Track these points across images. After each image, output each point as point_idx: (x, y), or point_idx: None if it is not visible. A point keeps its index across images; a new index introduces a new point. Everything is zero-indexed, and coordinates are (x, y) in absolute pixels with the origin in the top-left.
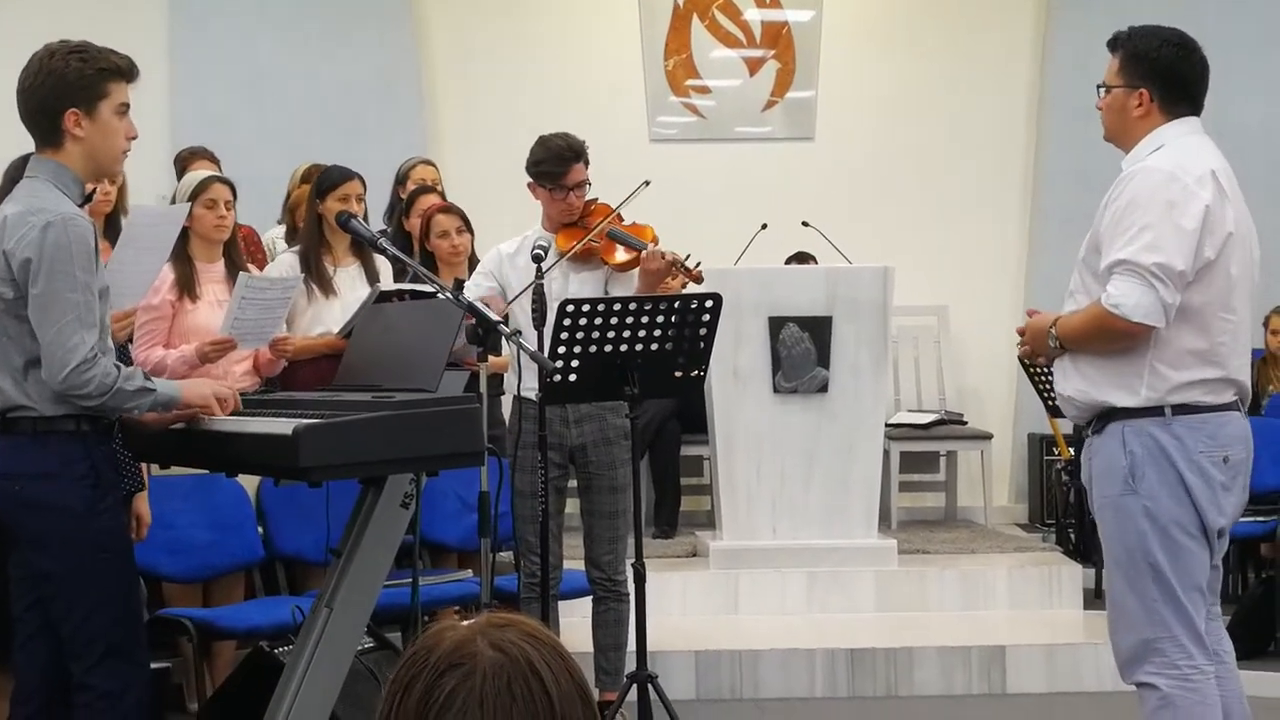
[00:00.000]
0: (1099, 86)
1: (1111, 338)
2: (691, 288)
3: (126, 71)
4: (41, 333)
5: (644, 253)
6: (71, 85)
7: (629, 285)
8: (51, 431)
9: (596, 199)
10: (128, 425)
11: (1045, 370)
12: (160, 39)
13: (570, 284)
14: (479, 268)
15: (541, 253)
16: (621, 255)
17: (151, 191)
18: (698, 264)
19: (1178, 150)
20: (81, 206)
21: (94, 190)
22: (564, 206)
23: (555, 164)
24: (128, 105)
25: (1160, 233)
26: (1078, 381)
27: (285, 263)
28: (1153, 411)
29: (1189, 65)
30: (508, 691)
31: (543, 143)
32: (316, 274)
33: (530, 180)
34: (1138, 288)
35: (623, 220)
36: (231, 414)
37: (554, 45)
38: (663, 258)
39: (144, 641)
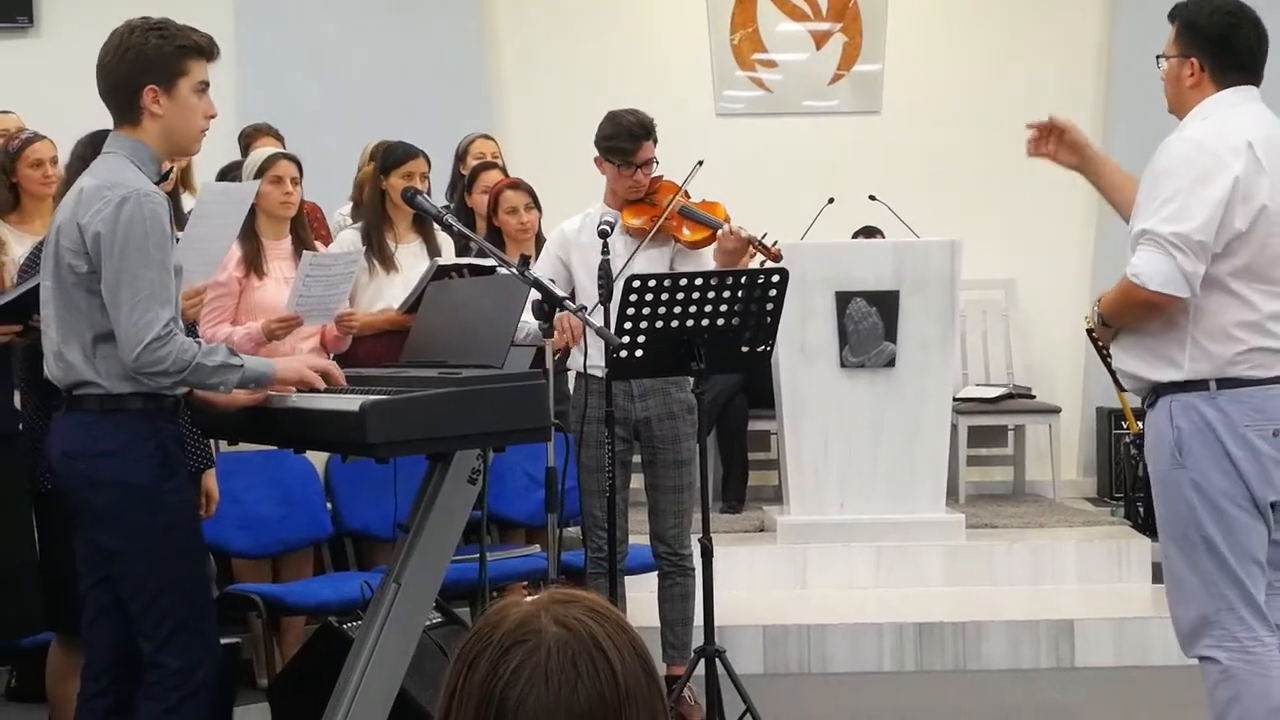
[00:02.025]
0: (1158, 58)
1: (1139, 309)
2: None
3: (206, 50)
4: (114, 310)
5: (720, 232)
6: (151, 62)
7: (695, 262)
8: (119, 409)
9: (662, 176)
10: (195, 402)
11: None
12: (226, 16)
13: (637, 261)
14: (544, 252)
15: (608, 228)
16: (689, 232)
17: (220, 164)
18: (775, 242)
19: (1220, 120)
20: (158, 184)
21: (170, 169)
22: (631, 183)
23: (626, 140)
24: (207, 84)
25: (1183, 203)
26: (1126, 357)
27: (347, 239)
28: (1198, 385)
29: (1241, 33)
30: (572, 667)
31: (613, 118)
32: (378, 250)
33: (598, 155)
34: (1156, 257)
35: (690, 198)
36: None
37: (619, 20)
38: (739, 236)
39: (214, 618)
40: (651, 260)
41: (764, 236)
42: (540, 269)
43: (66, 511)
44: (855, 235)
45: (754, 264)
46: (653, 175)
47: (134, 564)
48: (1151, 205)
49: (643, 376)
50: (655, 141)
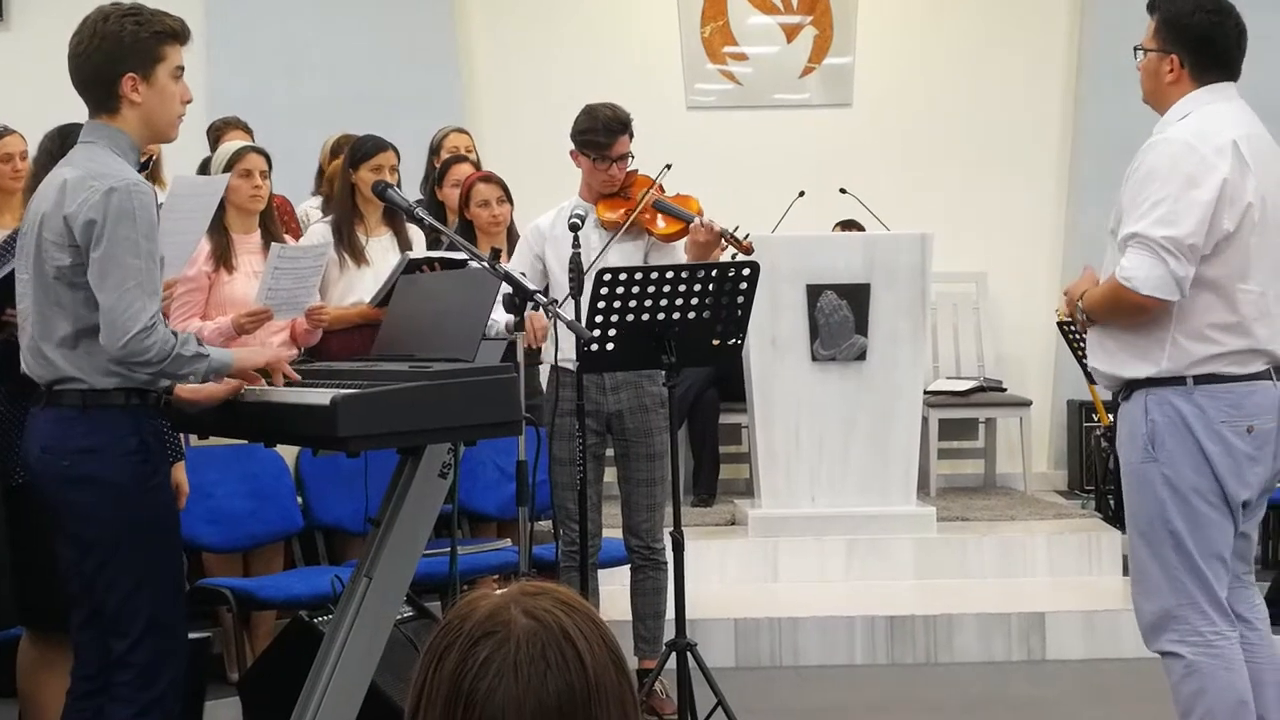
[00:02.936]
0: (1136, 49)
1: (1127, 311)
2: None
3: (180, 34)
4: (103, 297)
5: (692, 225)
6: (128, 49)
7: (669, 256)
8: (100, 405)
9: (636, 170)
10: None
11: (1083, 336)
12: (196, 9)
13: (610, 254)
14: (518, 249)
15: (579, 221)
16: (663, 225)
17: (188, 161)
18: (746, 235)
19: (1202, 119)
20: (140, 173)
21: (149, 158)
22: (606, 177)
23: (602, 134)
24: (182, 68)
25: (1173, 206)
26: (1103, 355)
27: (317, 233)
28: (1175, 381)
29: (1222, 31)
30: (541, 658)
31: (590, 112)
32: (349, 243)
33: (573, 148)
34: (1148, 260)
35: (664, 191)
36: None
37: (591, 14)
38: (711, 229)
39: (183, 616)
40: (625, 253)
41: (735, 229)
42: (516, 266)
43: (39, 506)
44: (836, 228)
45: (725, 257)
46: (627, 169)
47: (112, 562)
48: (1140, 208)
49: (614, 369)
50: (631, 136)
